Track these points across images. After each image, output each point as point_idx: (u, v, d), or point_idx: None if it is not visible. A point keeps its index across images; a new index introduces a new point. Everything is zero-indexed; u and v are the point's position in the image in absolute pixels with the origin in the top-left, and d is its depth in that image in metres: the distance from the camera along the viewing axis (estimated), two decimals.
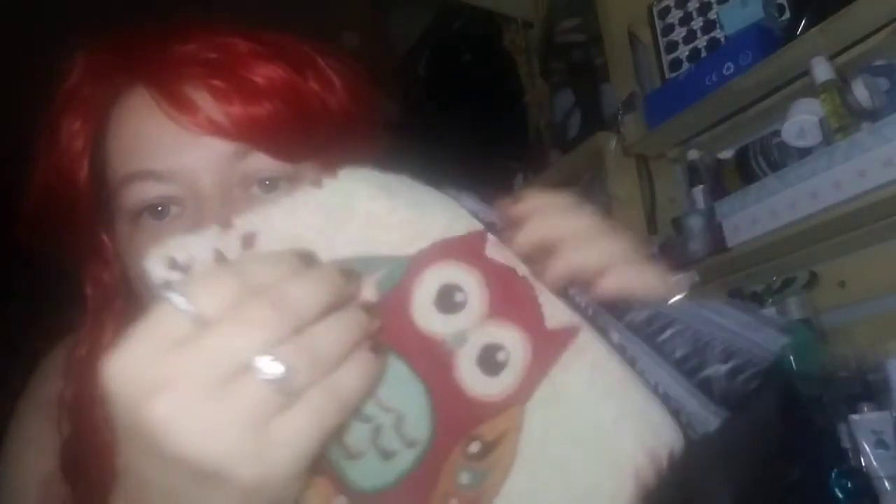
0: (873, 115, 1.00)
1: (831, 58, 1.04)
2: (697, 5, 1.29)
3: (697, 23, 1.29)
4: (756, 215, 1.07)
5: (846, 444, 0.97)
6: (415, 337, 0.38)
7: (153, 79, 0.54)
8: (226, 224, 0.37)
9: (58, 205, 0.58)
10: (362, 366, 0.33)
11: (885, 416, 0.94)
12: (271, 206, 0.38)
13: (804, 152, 1.09)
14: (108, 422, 0.56)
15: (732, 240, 1.11)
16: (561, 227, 0.43)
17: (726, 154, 1.30)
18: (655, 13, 1.35)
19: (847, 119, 1.00)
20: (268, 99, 0.53)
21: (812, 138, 1.07)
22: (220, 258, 0.36)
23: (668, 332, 0.41)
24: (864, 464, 0.94)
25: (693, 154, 1.30)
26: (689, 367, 0.41)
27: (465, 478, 0.37)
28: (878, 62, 1.07)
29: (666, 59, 1.33)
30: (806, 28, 1.06)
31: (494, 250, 0.40)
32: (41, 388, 0.64)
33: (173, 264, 0.35)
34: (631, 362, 0.40)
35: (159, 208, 0.53)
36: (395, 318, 0.38)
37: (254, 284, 0.32)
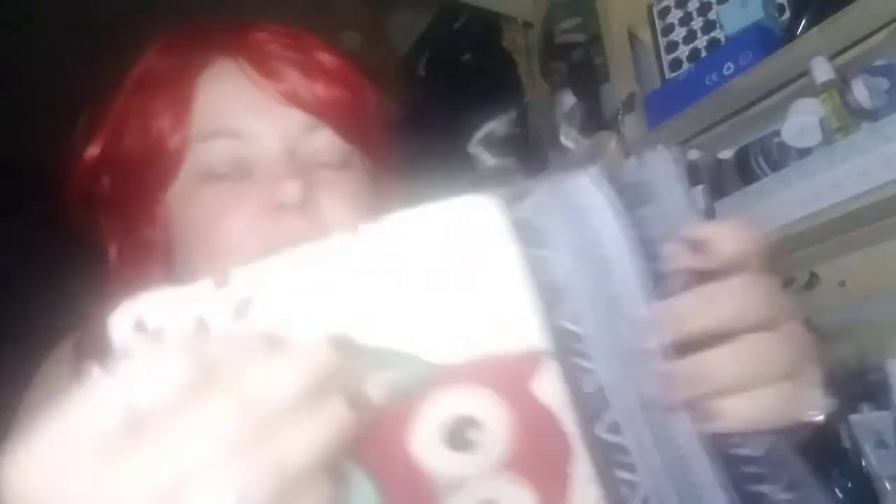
0: (873, 115, 1.00)
1: (831, 58, 1.04)
2: (697, 5, 1.29)
3: (697, 23, 1.29)
4: (756, 215, 1.07)
5: (846, 444, 0.97)
6: (402, 467, 0.30)
7: (240, 50, 0.58)
8: (220, 282, 0.30)
9: (125, 174, 0.59)
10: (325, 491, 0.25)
11: (885, 416, 0.94)
12: (281, 262, 0.31)
13: (804, 152, 1.08)
14: None
15: None
16: (739, 316, 0.30)
17: (726, 154, 1.29)
18: (655, 13, 1.35)
19: (847, 119, 1.00)
20: (341, 83, 0.59)
21: (812, 138, 1.07)
22: (202, 328, 0.28)
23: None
24: (864, 464, 0.94)
25: (693, 154, 1.30)
26: None
27: None
28: (878, 62, 1.06)
29: (666, 59, 1.33)
30: (806, 28, 1.06)
31: (544, 383, 0.30)
32: (53, 374, 0.64)
33: (140, 326, 0.28)
34: None
35: (230, 168, 0.56)
36: (389, 435, 0.30)
37: (210, 370, 0.24)
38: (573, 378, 0.31)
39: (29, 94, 2.04)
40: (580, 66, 1.60)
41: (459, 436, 0.30)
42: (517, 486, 0.30)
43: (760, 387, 0.31)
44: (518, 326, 0.31)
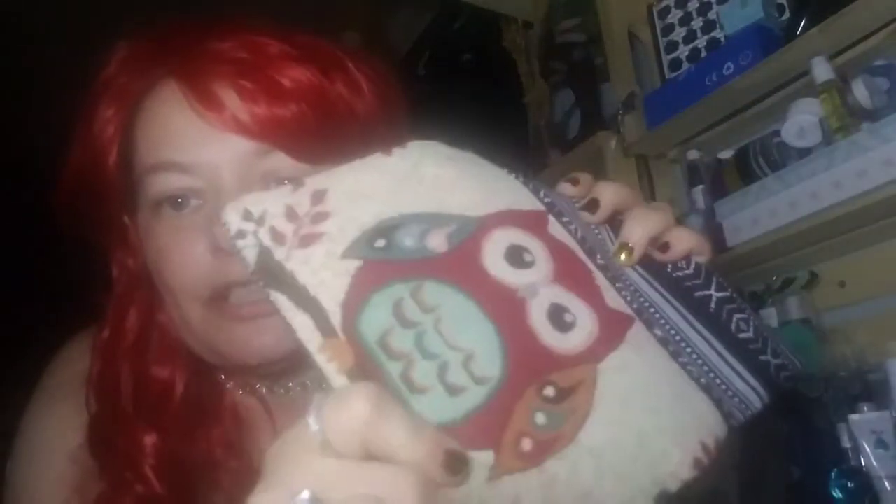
0: (873, 115, 1.00)
1: (831, 58, 1.04)
2: (697, 5, 1.29)
3: (697, 23, 1.29)
4: (756, 215, 1.07)
5: (846, 444, 0.97)
6: (487, 282, 0.38)
7: (184, 74, 0.55)
8: (298, 182, 0.40)
9: (88, 188, 0.60)
10: None
11: (885, 416, 0.94)
12: (342, 167, 0.41)
13: (804, 152, 1.09)
14: (131, 400, 0.58)
15: (732, 240, 1.11)
16: (624, 195, 0.45)
17: (726, 154, 1.29)
18: (655, 13, 1.35)
19: (847, 119, 1.00)
20: (293, 101, 0.55)
21: (812, 138, 1.07)
22: (291, 213, 0.39)
23: (740, 315, 0.44)
24: (864, 464, 0.94)
25: (693, 154, 1.30)
26: (752, 349, 0.43)
27: (540, 418, 0.35)
28: (878, 62, 1.06)
29: (666, 59, 1.33)
30: (806, 28, 1.06)
31: (556, 230, 0.41)
32: (66, 368, 0.65)
33: (247, 215, 0.39)
34: (676, 354, 0.40)
35: (179, 200, 0.55)
36: (466, 265, 0.38)
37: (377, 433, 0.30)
38: (567, 228, 0.42)
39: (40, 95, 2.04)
40: (580, 66, 1.60)
41: (518, 258, 0.39)
42: (570, 295, 0.39)
43: (670, 226, 0.44)
44: (523, 194, 0.42)
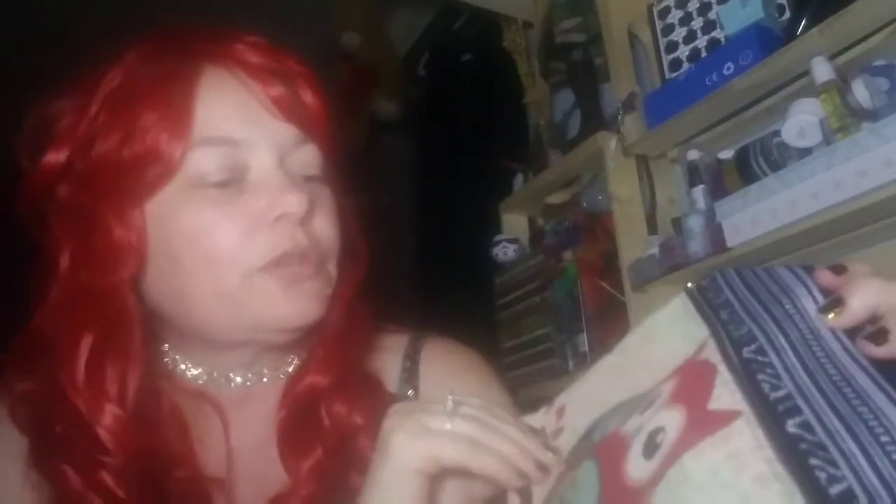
0: (873, 115, 1.00)
1: (831, 58, 1.04)
2: (697, 5, 1.29)
3: (697, 23, 1.29)
4: (756, 215, 1.07)
5: None
6: (620, 477, 0.40)
7: (231, 59, 0.59)
8: (549, 402, 0.52)
9: (116, 183, 0.58)
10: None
11: None
12: (579, 379, 0.50)
13: (804, 152, 1.09)
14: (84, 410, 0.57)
15: (732, 240, 1.11)
16: (889, 298, 0.39)
17: (726, 154, 1.29)
18: (655, 13, 1.35)
19: (847, 119, 1.00)
20: (321, 97, 0.62)
21: (812, 138, 1.07)
22: (542, 433, 0.50)
23: None
24: None
25: (693, 154, 1.30)
26: None
27: None
28: (878, 62, 1.07)
29: (666, 59, 1.33)
30: (806, 28, 1.06)
31: (721, 397, 0.37)
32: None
33: None
34: (807, 452, 0.32)
35: (222, 177, 0.57)
36: (612, 463, 0.42)
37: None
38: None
39: None
40: (580, 66, 1.60)
41: (652, 444, 0.39)
42: (674, 410, 0.40)
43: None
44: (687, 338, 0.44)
